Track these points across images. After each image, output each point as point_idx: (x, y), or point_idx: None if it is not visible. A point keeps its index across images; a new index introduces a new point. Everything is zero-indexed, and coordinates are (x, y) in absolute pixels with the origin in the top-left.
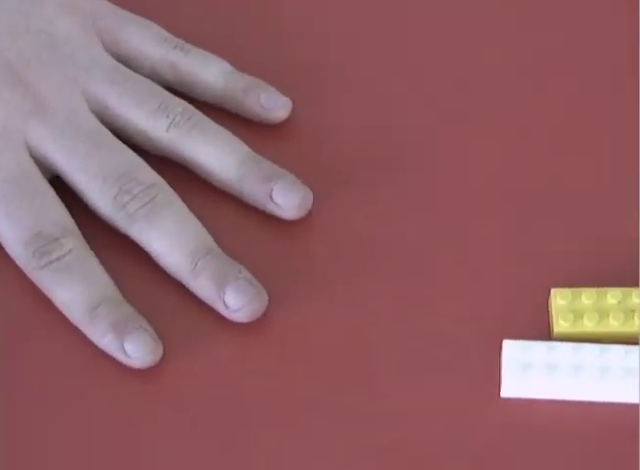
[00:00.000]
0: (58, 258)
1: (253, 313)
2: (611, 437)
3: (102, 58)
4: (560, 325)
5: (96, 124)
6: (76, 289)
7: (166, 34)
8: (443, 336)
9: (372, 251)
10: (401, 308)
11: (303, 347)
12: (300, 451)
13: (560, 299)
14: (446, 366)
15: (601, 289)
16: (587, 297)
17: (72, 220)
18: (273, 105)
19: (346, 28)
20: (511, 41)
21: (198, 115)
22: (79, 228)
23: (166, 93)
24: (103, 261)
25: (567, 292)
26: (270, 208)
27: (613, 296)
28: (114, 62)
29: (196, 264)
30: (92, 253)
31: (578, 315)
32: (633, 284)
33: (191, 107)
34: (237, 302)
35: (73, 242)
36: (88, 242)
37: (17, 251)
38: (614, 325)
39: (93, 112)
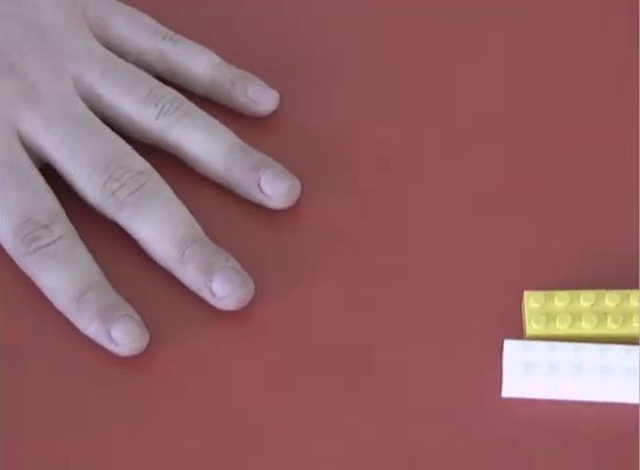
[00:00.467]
0: (46, 245)
1: (240, 301)
2: (611, 437)
3: (92, 46)
4: (532, 328)
5: (86, 112)
6: (63, 275)
7: (156, 24)
8: (429, 331)
9: (358, 242)
10: (386, 300)
11: (290, 335)
12: (287, 437)
13: (533, 301)
14: (435, 363)
15: (574, 291)
16: (560, 299)
17: (61, 208)
18: (260, 97)
19: (335, 23)
20: (507, 40)
21: (187, 103)
22: (68, 216)
23: (156, 82)
24: (91, 249)
25: (539, 294)
26: (258, 197)
27: (586, 298)
28: (105, 50)
29: (183, 252)
30: (80, 240)
31: (551, 318)
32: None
33: (180, 96)
34: (223, 290)
35: (62, 229)
36: (77, 229)
37: (5, 237)
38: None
39: (83, 99)
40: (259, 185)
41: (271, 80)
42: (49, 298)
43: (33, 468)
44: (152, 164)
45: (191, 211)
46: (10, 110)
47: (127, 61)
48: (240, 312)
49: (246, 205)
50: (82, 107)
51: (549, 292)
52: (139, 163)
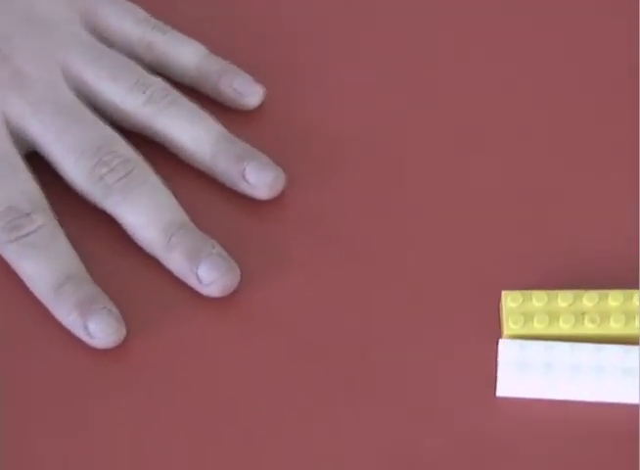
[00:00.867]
0: (27, 234)
1: (225, 288)
2: (607, 437)
3: (81, 34)
4: (510, 328)
5: (73, 99)
6: (42, 265)
7: (145, 15)
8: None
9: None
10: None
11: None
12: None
13: (510, 301)
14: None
15: (552, 291)
16: (538, 299)
17: (44, 196)
18: (246, 90)
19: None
20: (506, 40)
21: (174, 92)
22: (51, 205)
23: (144, 70)
24: (74, 238)
25: (517, 294)
26: (242, 187)
27: (563, 298)
28: (93, 38)
29: (170, 239)
30: (61, 230)
31: (529, 318)
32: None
33: (167, 85)
34: (209, 276)
35: (44, 218)
36: (60, 219)
37: None
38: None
39: (71, 87)
40: (244, 175)
41: (258, 73)
42: (29, 286)
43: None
44: (139, 152)
45: (177, 199)
46: None
47: (116, 50)
48: (226, 299)
49: (231, 193)
50: (70, 94)
51: (527, 292)
52: (127, 149)
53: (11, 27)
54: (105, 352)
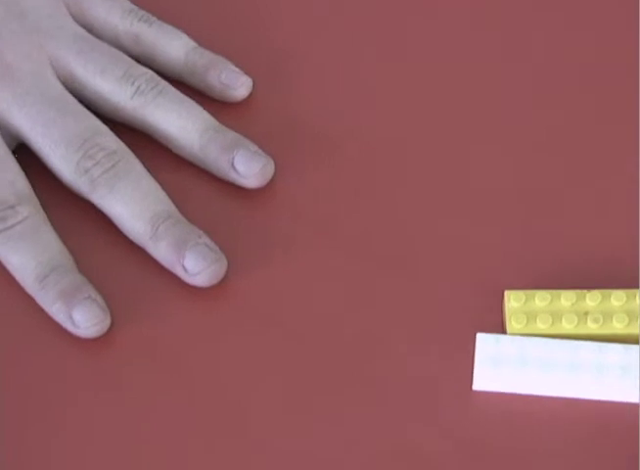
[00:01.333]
0: (12, 225)
1: (212, 278)
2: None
3: (69, 26)
4: (513, 327)
5: (61, 91)
6: (28, 256)
7: (132, 6)
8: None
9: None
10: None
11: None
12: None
13: (513, 301)
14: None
15: (555, 291)
16: (541, 299)
17: (30, 188)
18: (233, 83)
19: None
20: (505, 39)
21: (162, 83)
22: (38, 197)
23: (132, 62)
24: (62, 229)
25: (520, 294)
26: (232, 176)
27: (566, 298)
28: (82, 30)
29: (156, 229)
30: (47, 221)
31: (532, 317)
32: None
33: (156, 76)
34: (196, 266)
35: (29, 210)
36: (48, 210)
37: None
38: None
39: (59, 79)
40: (233, 164)
41: (246, 65)
42: (15, 277)
43: None
44: (126, 143)
45: (165, 189)
46: None
47: (104, 42)
48: (213, 289)
49: (220, 184)
50: (58, 86)
51: (530, 291)
52: (113, 141)
53: None
54: (90, 341)
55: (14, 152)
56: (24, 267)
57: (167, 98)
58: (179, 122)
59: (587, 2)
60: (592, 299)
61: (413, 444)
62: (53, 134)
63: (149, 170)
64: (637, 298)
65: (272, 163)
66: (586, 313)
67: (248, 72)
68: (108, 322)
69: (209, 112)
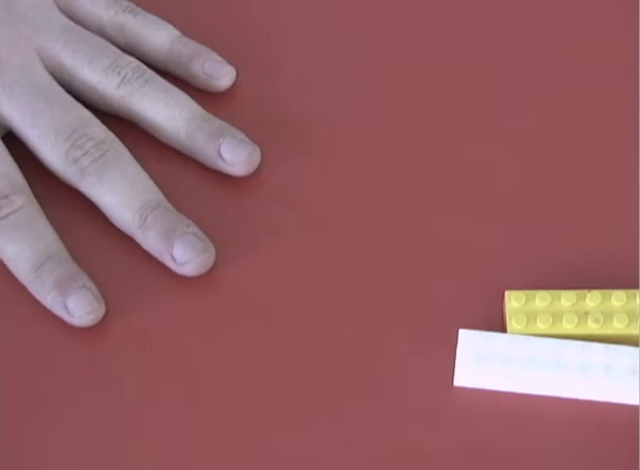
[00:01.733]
0: (6, 215)
1: (201, 267)
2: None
3: (56, 17)
4: (513, 327)
5: (49, 81)
6: (22, 246)
7: None
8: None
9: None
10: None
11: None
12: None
13: (514, 301)
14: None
15: (555, 291)
16: (541, 299)
17: (23, 178)
18: (217, 73)
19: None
20: (505, 38)
21: (149, 73)
22: (31, 186)
23: (118, 51)
24: (54, 219)
25: (520, 294)
26: (218, 164)
27: (567, 298)
28: (68, 21)
29: (145, 219)
30: (41, 211)
31: (532, 318)
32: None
33: (142, 65)
34: (184, 255)
35: (23, 199)
36: (40, 200)
37: None
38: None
39: (47, 70)
40: (219, 152)
41: (230, 55)
42: (9, 268)
43: None
44: (115, 133)
45: (153, 178)
46: None
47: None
48: (203, 277)
49: (207, 172)
50: (46, 76)
51: (530, 291)
52: (102, 131)
53: None
54: (84, 330)
55: (3, 139)
56: (20, 257)
57: (154, 87)
58: (166, 111)
59: (587, 2)
60: (592, 299)
61: (413, 444)
62: (42, 124)
63: (137, 160)
64: (637, 298)
65: (258, 150)
66: (586, 314)
67: (232, 62)
68: (102, 311)
69: (195, 100)
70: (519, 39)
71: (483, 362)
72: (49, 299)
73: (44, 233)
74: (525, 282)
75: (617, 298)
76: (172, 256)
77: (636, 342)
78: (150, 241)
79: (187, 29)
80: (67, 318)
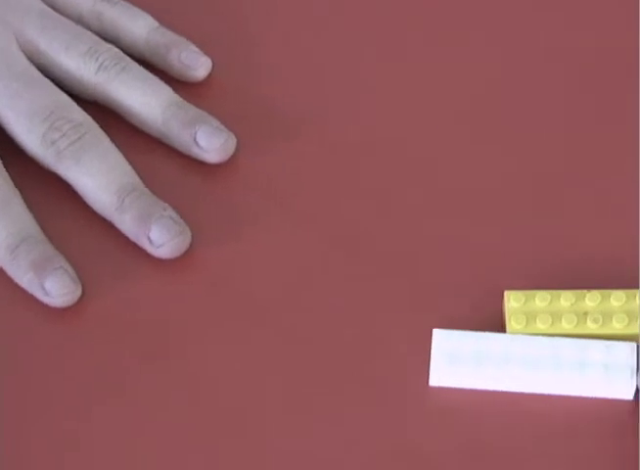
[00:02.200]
0: None
1: (177, 249)
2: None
3: (35, 4)
4: (513, 328)
5: (27, 66)
6: None
7: None
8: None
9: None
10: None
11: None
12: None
13: (513, 301)
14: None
15: (554, 291)
16: (541, 299)
17: None
18: (194, 63)
19: None
20: (504, 38)
21: (126, 60)
22: (7, 167)
23: (96, 38)
24: (29, 200)
25: (520, 294)
26: (194, 151)
27: (566, 298)
28: (47, 7)
29: (122, 202)
30: (17, 192)
31: (531, 318)
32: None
33: (120, 52)
34: (161, 237)
35: None
36: (15, 181)
37: None
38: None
39: (25, 54)
40: (195, 139)
41: (207, 46)
42: None
43: None
44: (93, 118)
45: (130, 164)
46: None
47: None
48: (180, 260)
49: (184, 159)
50: (24, 61)
51: (529, 291)
52: (79, 114)
53: None
54: (61, 310)
55: None
56: None
57: (131, 74)
58: (142, 98)
59: (587, 2)
60: (592, 299)
61: (413, 444)
62: (19, 107)
63: (115, 144)
64: (637, 298)
65: (234, 138)
66: (586, 314)
67: (208, 53)
68: (78, 292)
69: (172, 88)
70: (518, 39)
71: (457, 362)
72: (26, 280)
73: (20, 215)
74: (524, 282)
75: (617, 298)
76: (149, 238)
77: (635, 342)
78: (126, 224)
79: (165, 20)
80: (44, 299)
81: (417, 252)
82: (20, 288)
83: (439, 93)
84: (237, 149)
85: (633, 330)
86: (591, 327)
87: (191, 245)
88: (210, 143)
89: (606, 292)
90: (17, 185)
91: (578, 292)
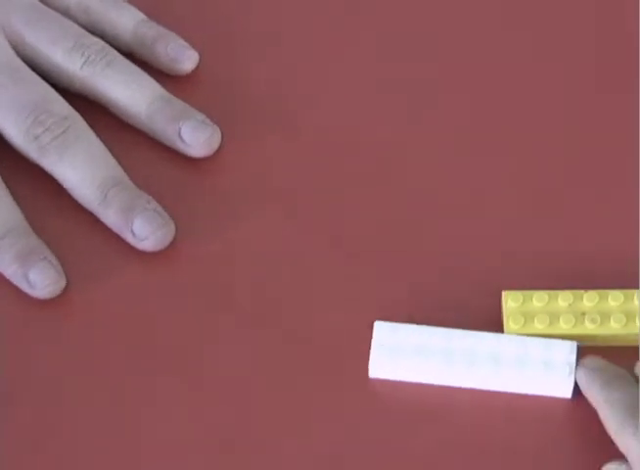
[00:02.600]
0: None
1: (160, 242)
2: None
3: None
4: (510, 328)
5: (13, 58)
6: None
7: None
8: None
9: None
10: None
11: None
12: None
13: (511, 301)
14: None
15: (552, 291)
16: (538, 299)
17: None
18: (180, 56)
19: None
20: (504, 39)
21: (112, 53)
22: None
23: (83, 32)
24: (15, 193)
25: (518, 294)
26: (179, 145)
27: (564, 298)
28: (35, 0)
29: (106, 195)
30: (2, 184)
31: (529, 318)
32: (636, 286)
33: (106, 46)
34: (144, 231)
35: None
36: (2, 174)
37: None
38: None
39: (11, 46)
40: (180, 134)
41: (193, 40)
42: None
43: None
44: (78, 112)
45: (115, 157)
46: None
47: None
48: (163, 253)
49: (169, 152)
50: (10, 53)
51: (527, 292)
52: (64, 107)
53: None
54: (45, 302)
55: None
56: None
57: (117, 68)
58: (128, 92)
59: (587, 2)
60: (589, 299)
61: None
62: (4, 100)
63: (100, 138)
64: (635, 298)
65: (219, 132)
66: (584, 314)
67: (195, 47)
68: (62, 284)
69: (158, 82)
70: (518, 39)
71: (397, 354)
72: (10, 271)
73: (5, 207)
74: (522, 282)
75: (615, 298)
76: (132, 231)
77: (634, 341)
78: (110, 217)
79: (152, 14)
80: (28, 290)
81: (415, 251)
82: (4, 279)
83: (439, 92)
84: (223, 142)
85: (631, 330)
86: (589, 327)
87: (175, 238)
88: (195, 138)
89: (603, 292)
90: (3, 178)
91: (576, 292)
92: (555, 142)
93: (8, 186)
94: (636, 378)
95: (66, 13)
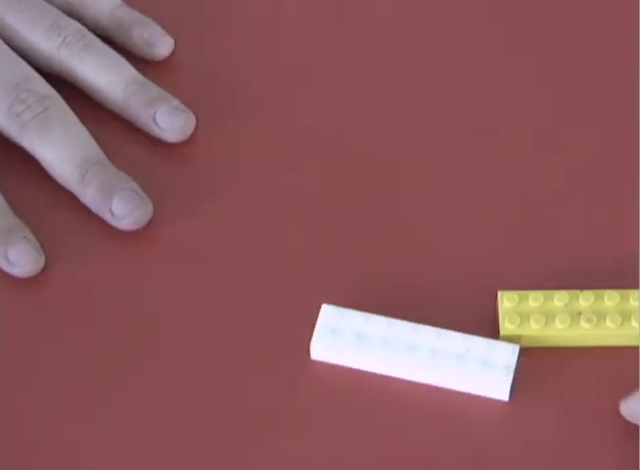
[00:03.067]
0: None
1: (138, 221)
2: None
3: None
4: (506, 328)
5: None
6: None
7: None
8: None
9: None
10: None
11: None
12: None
13: (507, 301)
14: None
15: (548, 291)
16: (534, 299)
17: None
18: (156, 41)
19: None
20: (504, 39)
21: (89, 36)
22: None
23: (60, 14)
24: None
25: (513, 294)
26: (153, 130)
27: (559, 298)
28: None
29: (84, 174)
30: None
31: (525, 318)
32: (632, 286)
33: (83, 28)
34: (122, 210)
35: None
36: None
37: None
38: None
39: None
40: (155, 119)
41: (169, 26)
42: None
43: None
44: (58, 92)
45: (94, 138)
46: None
47: None
48: (142, 232)
49: (146, 134)
50: None
51: (523, 292)
52: (44, 87)
53: None
54: (24, 280)
55: None
56: None
57: (93, 51)
58: (104, 75)
59: (587, 2)
60: (585, 299)
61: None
62: None
63: (79, 119)
64: (631, 298)
65: (193, 118)
66: (579, 314)
67: (170, 33)
68: (42, 262)
69: (135, 67)
70: (518, 39)
71: (339, 338)
72: None
73: None
74: (517, 282)
75: (611, 298)
76: (111, 210)
77: (630, 342)
78: (89, 196)
79: (129, 1)
80: (7, 269)
81: (410, 251)
82: None
83: (437, 91)
84: (198, 126)
85: (627, 330)
86: (585, 327)
87: (153, 218)
88: (169, 123)
89: (599, 292)
90: None
91: (572, 292)
92: (552, 143)
93: None
94: None
95: None
